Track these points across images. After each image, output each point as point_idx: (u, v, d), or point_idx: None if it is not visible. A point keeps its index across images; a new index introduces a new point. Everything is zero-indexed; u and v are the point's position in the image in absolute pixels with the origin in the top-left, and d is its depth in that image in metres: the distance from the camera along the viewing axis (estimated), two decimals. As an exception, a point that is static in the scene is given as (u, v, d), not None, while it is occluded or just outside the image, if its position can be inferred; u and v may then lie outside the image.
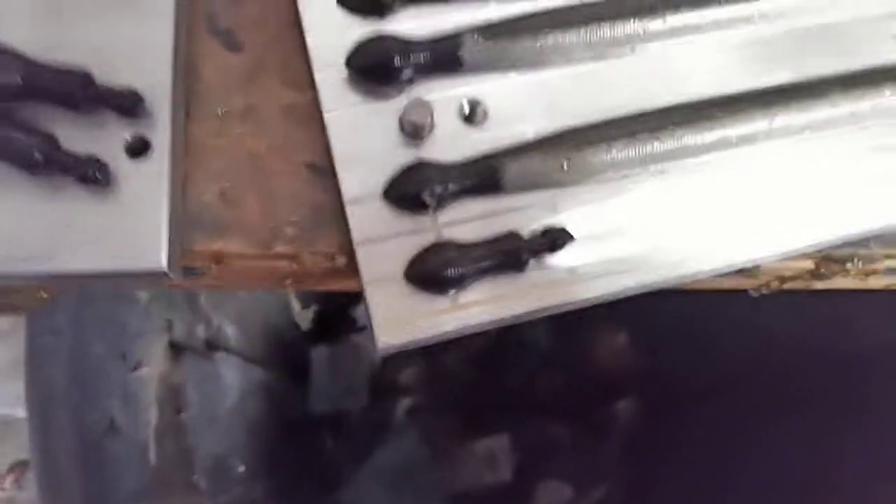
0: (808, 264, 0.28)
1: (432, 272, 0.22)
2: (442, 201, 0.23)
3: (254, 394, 0.85)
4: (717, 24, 0.25)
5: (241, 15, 0.26)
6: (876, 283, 0.30)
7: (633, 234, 0.24)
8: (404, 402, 1.18)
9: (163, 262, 0.22)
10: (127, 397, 0.50)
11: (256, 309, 0.89)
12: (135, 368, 0.52)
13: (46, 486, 0.38)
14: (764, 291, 0.32)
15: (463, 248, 0.22)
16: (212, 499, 0.61)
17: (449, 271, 0.22)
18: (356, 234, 0.23)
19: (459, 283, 0.22)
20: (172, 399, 0.56)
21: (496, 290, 0.23)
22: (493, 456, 1.18)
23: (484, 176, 0.23)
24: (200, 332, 0.71)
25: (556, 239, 0.23)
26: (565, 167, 0.23)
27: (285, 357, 1.03)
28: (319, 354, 1.15)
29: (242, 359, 0.82)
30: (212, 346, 0.74)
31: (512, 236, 0.23)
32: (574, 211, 0.24)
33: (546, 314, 0.23)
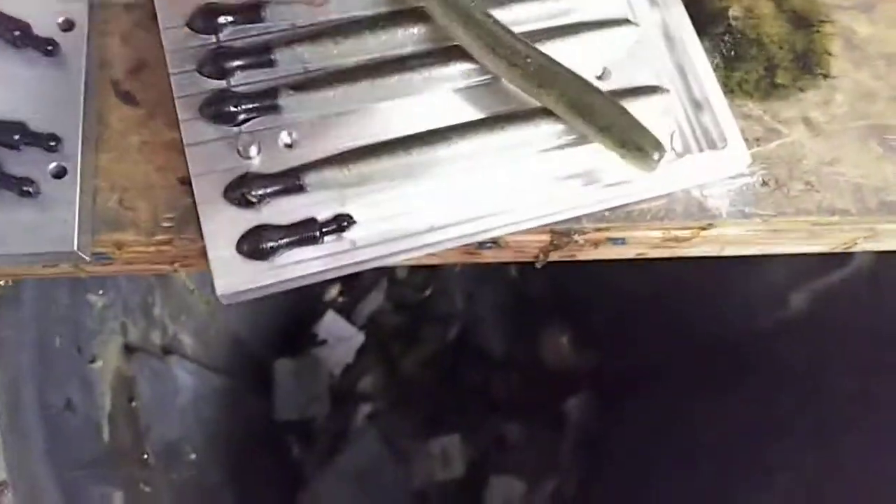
0: (546, 238, 0.40)
1: (254, 246, 0.34)
2: (263, 199, 0.35)
3: (210, 396, 0.96)
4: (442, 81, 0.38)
5: (136, 81, 0.38)
6: (608, 251, 0.42)
7: (396, 219, 0.36)
8: (364, 408, 1.29)
9: (74, 246, 0.33)
10: (83, 383, 0.60)
11: (217, 323, 1.00)
12: (90, 361, 0.63)
13: (13, 456, 0.48)
14: (540, 262, 0.43)
15: (276, 228, 0.34)
16: (163, 474, 0.71)
17: (264, 245, 0.33)
18: (204, 222, 0.34)
19: (274, 253, 0.34)
20: (124, 389, 0.67)
21: (300, 256, 0.34)
22: (446, 454, 1.28)
23: (291, 181, 0.35)
24: (156, 338, 0.81)
25: (342, 221, 0.35)
26: (348, 173, 0.35)
27: (247, 368, 1.13)
28: (283, 367, 1.25)
29: (199, 365, 0.92)
30: (167, 351, 0.84)
31: (311, 221, 0.35)
32: (356, 203, 0.35)
33: (340, 273, 0.35)
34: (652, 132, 0.36)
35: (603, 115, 0.36)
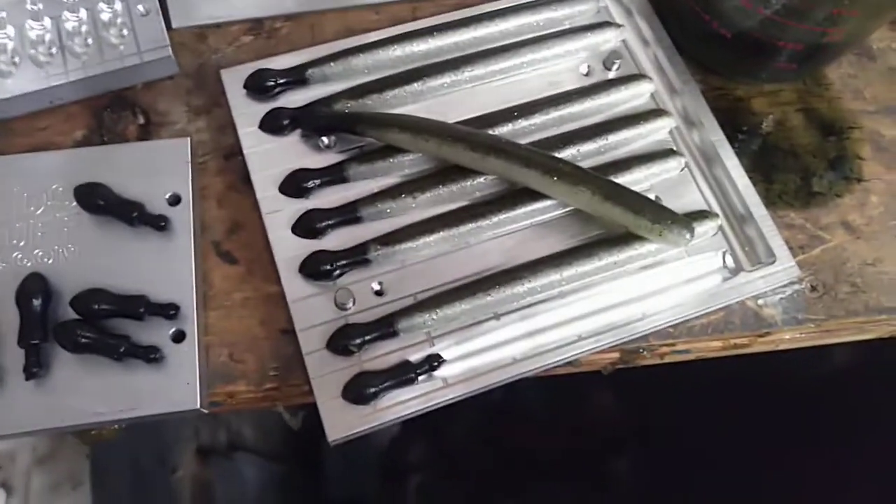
0: (616, 355, 0.43)
1: (357, 393, 0.37)
2: (361, 347, 0.38)
3: (271, 486, 0.98)
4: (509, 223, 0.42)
5: (235, 241, 0.42)
6: (672, 358, 0.45)
7: (481, 355, 0.39)
8: (414, 479, 1.30)
9: (198, 404, 0.37)
10: (169, 496, 0.64)
11: (270, 412, 1.03)
12: (172, 472, 0.66)
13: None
14: (607, 371, 0.46)
15: (375, 374, 0.38)
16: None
17: (367, 391, 0.37)
18: (312, 373, 0.38)
19: (375, 397, 0.37)
20: (203, 495, 0.70)
21: (399, 398, 0.38)
22: (499, 522, 1.27)
23: (385, 329, 0.38)
24: (222, 436, 0.85)
25: (433, 361, 0.38)
26: (435, 317, 0.39)
27: (300, 451, 1.16)
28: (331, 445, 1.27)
29: (259, 455, 0.95)
30: (232, 446, 0.87)
31: (405, 363, 0.38)
32: (444, 343, 0.39)
33: (431, 409, 0.38)
34: (678, 212, 0.41)
35: (635, 201, 0.40)
